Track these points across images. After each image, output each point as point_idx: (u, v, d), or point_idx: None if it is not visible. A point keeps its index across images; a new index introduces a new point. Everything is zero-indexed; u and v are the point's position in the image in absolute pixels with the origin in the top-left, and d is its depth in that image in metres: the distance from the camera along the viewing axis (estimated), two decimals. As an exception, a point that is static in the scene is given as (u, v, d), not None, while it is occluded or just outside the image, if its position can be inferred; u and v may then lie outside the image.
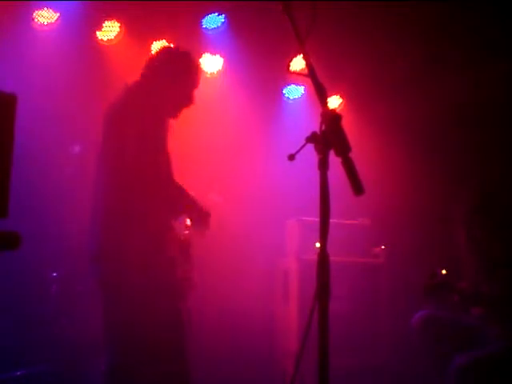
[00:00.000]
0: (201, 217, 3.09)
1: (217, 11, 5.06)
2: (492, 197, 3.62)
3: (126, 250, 2.71)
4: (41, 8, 4.66)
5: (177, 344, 2.78)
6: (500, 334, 3.29)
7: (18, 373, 3.75)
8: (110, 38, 4.91)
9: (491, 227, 3.53)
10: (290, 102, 5.75)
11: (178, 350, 2.79)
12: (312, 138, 1.90)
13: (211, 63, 5.35)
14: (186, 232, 3.16)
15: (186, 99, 3.15)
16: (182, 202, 3.01)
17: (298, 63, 5.21)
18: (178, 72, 3.08)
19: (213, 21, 5.11)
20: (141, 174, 2.76)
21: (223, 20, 5.09)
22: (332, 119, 1.88)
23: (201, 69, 3.28)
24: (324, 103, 1.94)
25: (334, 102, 5.61)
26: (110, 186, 2.85)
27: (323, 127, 1.90)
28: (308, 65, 2.00)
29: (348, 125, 1.95)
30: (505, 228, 3.50)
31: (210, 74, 5.37)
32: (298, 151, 1.92)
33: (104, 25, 4.89)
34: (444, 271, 3.46)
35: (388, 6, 4.52)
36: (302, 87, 5.67)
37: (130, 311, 2.67)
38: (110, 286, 2.78)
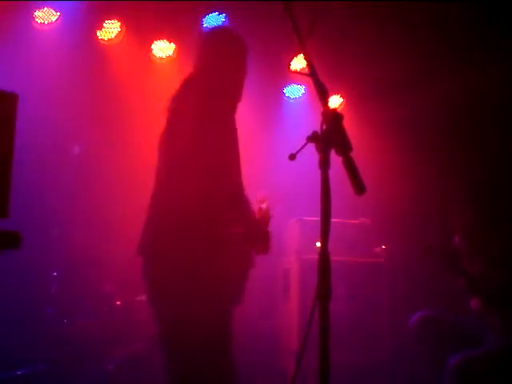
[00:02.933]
0: (259, 235, 2.81)
1: (217, 10, 5.06)
2: (484, 195, 3.61)
3: (174, 255, 2.51)
4: (41, 8, 4.66)
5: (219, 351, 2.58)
6: (499, 331, 3.29)
7: (18, 373, 3.75)
8: (110, 37, 4.91)
9: (483, 222, 3.53)
10: (291, 101, 5.75)
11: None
12: (313, 138, 1.90)
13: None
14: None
15: (240, 87, 2.89)
16: (245, 212, 2.74)
17: (298, 62, 5.21)
18: (232, 57, 2.85)
19: (213, 20, 5.10)
20: (206, 172, 2.53)
21: (224, 19, 5.09)
22: (333, 118, 1.88)
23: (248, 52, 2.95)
24: (325, 103, 1.94)
25: (335, 101, 5.61)
26: (171, 183, 2.61)
27: (324, 126, 1.89)
28: (309, 64, 2.00)
29: (349, 124, 1.95)
30: (498, 223, 3.50)
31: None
32: (298, 151, 1.92)
33: (104, 24, 4.89)
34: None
35: (388, 6, 4.52)
36: (303, 87, 5.66)
37: (172, 316, 2.51)
38: (154, 285, 2.61)
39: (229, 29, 2.98)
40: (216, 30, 3.06)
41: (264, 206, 3.18)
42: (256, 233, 2.77)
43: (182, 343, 2.51)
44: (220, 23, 5.09)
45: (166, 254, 2.53)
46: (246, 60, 2.94)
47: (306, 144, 1.90)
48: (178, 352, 2.54)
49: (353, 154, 1.85)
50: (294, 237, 4.82)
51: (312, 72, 1.98)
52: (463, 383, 3.08)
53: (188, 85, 2.79)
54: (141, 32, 4.95)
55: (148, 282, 2.63)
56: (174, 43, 5.14)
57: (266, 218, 3.04)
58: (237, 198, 2.69)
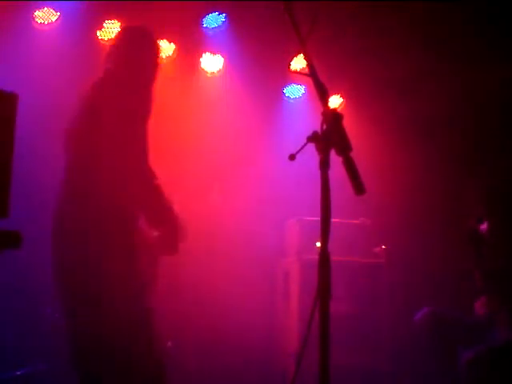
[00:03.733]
0: (172, 235, 2.79)
1: (217, 10, 5.06)
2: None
3: (92, 259, 2.53)
4: (41, 8, 4.66)
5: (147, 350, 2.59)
6: (508, 327, 3.29)
7: (18, 373, 3.75)
8: (110, 37, 4.91)
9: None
10: (291, 101, 5.74)
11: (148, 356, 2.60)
12: (313, 138, 1.90)
13: (212, 63, 5.35)
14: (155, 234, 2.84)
15: (152, 82, 2.90)
16: (162, 211, 2.74)
17: (298, 62, 5.21)
18: (143, 54, 2.90)
19: (213, 20, 5.11)
20: (119, 175, 2.55)
21: (224, 19, 5.09)
22: (333, 118, 1.88)
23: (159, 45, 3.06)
24: (325, 103, 1.94)
25: (335, 101, 5.60)
26: (85, 184, 2.62)
27: (324, 127, 1.90)
28: (309, 64, 2.00)
29: (349, 124, 1.95)
30: None
31: (211, 73, 5.37)
32: (298, 151, 1.92)
33: (104, 24, 4.89)
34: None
35: (387, 6, 4.52)
36: (303, 87, 5.66)
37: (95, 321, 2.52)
38: (74, 294, 2.62)
39: (140, 27, 3.01)
40: (127, 29, 3.10)
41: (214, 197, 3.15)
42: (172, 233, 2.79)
43: (94, 345, 2.51)
44: (220, 24, 5.10)
45: (78, 252, 2.56)
46: (157, 56, 2.99)
47: (305, 144, 1.91)
48: (89, 353, 2.54)
49: (353, 154, 1.85)
50: (294, 237, 4.81)
51: (312, 72, 1.99)
52: (478, 376, 3.09)
53: (100, 85, 2.80)
54: (141, 32, 4.94)
55: (58, 279, 2.67)
56: (174, 43, 5.14)
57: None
58: (156, 196, 2.70)
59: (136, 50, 2.89)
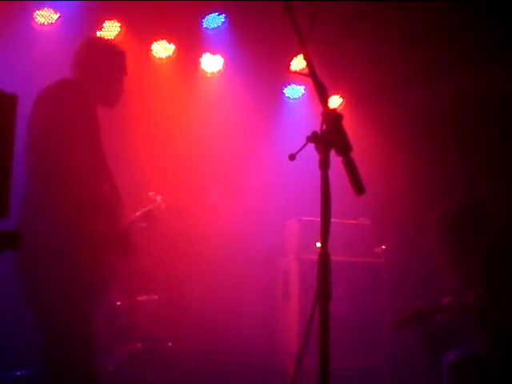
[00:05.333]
0: (117, 240, 2.88)
1: (217, 11, 5.06)
2: (469, 213, 3.52)
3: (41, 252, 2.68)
4: (41, 8, 4.66)
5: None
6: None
7: (18, 373, 3.74)
8: (110, 37, 4.91)
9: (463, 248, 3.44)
10: (291, 101, 5.75)
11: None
12: (313, 138, 1.90)
13: (212, 63, 5.35)
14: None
15: (118, 88, 3.11)
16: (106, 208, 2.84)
17: (298, 63, 5.21)
18: (104, 63, 3.06)
19: (213, 20, 5.11)
20: (63, 171, 2.66)
21: (223, 20, 5.09)
22: (333, 119, 1.88)
23: (125, 55, 3.19)
24: (325, 103, 1.94)
25: (335, 101, 5.61)
26: (32, 184, 2.76)
27: (324, 127, 1.90)
28: (308, 64, 2.00)
29: (348, 124, 1.95)
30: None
31: (211, 73, 5.37)
32: (298, 151, 1.92)
33: (104, 25, 4.89)
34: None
35: (388, 6, 4.52)
36: (303, 87, 5.67)
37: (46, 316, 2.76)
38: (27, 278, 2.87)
39: (104, 39, 3.21)
40: (93, 40, 3.28)
41: (151, 206, 3.46)
42: (113, 236, 2.87)
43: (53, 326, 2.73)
44: (220, 24, 5.10)
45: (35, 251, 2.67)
46: (123, 64, 3.16)
47: (305, 144, 1.91)
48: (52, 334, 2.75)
49: (352, 155, 1.85)
50: (294, 237, 4.81)
51: (311, 72, 1.99)
52: (460, 379, 3.09)
53: (58, 90, 2.91)
54: (141, 32, 4.95)
55: (20, 275, 2.89)
56: (174, 44, 5.15)
57: (149, 216, 3.31)
58: (100, 202, 2.81)
59: (104, 61, 3.06)
